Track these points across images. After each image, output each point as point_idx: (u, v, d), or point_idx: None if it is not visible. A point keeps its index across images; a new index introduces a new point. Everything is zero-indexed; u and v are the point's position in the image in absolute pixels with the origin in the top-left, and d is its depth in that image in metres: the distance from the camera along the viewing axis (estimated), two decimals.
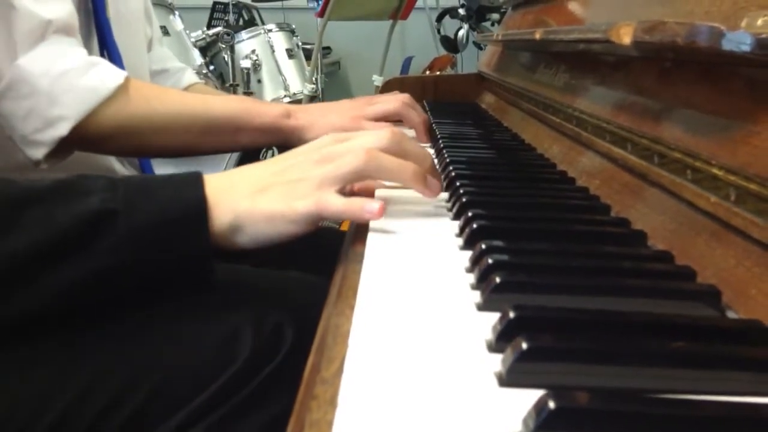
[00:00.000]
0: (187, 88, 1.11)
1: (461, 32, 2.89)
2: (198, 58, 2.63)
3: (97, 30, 0.90)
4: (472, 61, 3.12)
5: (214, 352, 0.54)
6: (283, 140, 0.89)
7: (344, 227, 1.97)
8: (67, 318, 0.52)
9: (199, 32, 2.82)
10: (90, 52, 0.89)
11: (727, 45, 0.35)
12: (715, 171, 0.41)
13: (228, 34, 2.71)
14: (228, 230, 0.52)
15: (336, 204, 0.52)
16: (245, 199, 0.52)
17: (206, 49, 2.84)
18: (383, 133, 0.56)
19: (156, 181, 0.52)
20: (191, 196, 0.51)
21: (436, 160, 0.83)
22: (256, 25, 3.21)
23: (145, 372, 0.53)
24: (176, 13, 2.61)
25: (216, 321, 0.56)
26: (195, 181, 0.52)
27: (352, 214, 0.52)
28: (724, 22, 0.38)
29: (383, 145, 0.55)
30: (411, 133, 0.96)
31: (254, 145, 0.92)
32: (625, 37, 0.43)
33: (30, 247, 0.48)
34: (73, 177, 0.52)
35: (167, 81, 1.09)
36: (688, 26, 0.37)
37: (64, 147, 0.78)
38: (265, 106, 0.87)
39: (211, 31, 2.82)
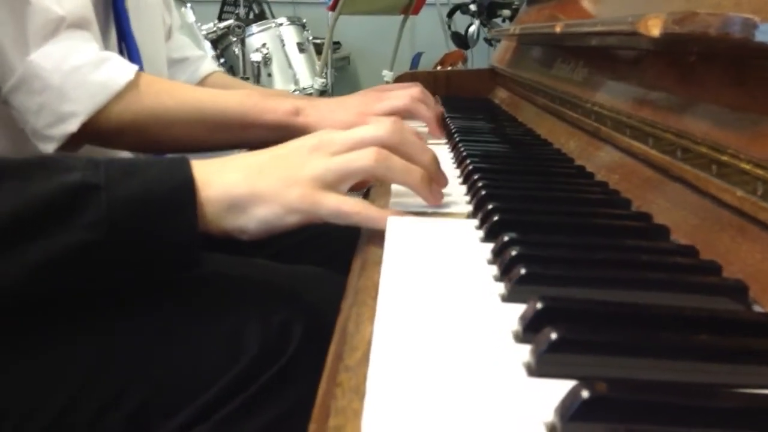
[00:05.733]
0: (206, 77, 1.11)
1: (472, 28, 2.88)
2: (209, 51, 2.63)
3: (116, 21, 0.90)
4: (482, 58, 3.11)
5: (219, 350, 0.54)
6: (292, 137, 0.88)
7: None
8: (46, 297, 0.50)
9: (210, 25, 2.82)
10: (108, 43, 0.89)
11: (761, 36, 0.35)
12: (743, 165, 0.41)
13: (239, 27, 2.71)
14: (219, 213, 0.50)
15: (332, 202, 0.50)
16: (241, 181, 0.51)
17: (217, 42, 2.84)
18: (385, 125, 0.54)
19: (141, 161, 0.51)
20: (178, 175, 0.49)
21: (451, 154, 0.83)
22: (267, 18, 3.21)
23: (149, 367, 0.53)
24: (188, 5, 2.61)
25: (222, 317, 0.56)
26: (181, 162, 0.50)
27: (363, 219, 0.50)
28: (755, 14, 0.37)
29: (385, 137, 0.53)
30: (418, 123, 0.96)
31: (264, 140, 0.92)
32: (654, 28, 0.42)
33: (5, 219, 0.46)
34: (53, 154, 0.51)
35: (187, 69, 1.09)
36: (721, 17, 0.37)
37: (74, 141, 0.78)
38: (274, 102, 0.86)
39: (222, 24, 2.82)
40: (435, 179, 0.56)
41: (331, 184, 0.51)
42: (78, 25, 0.79)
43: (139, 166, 0.50)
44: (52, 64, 0.75)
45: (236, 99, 0.86)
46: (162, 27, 1.04)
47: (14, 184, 0.47)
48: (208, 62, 1.13)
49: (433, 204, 0.55)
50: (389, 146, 0.53)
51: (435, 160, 0.56)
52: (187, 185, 0.49)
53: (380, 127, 0.54)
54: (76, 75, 0.76)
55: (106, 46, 0.87)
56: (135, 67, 0.80)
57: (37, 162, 0.49)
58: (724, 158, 0.44)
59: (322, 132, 0.55)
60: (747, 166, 0.41)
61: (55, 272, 0.48)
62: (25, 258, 0.46)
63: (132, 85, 0.79)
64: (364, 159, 0.51)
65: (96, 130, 0.78)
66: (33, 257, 0.46)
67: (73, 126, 0.76)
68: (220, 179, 0.50)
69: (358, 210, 0.50)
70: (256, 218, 0.50)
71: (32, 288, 0.48)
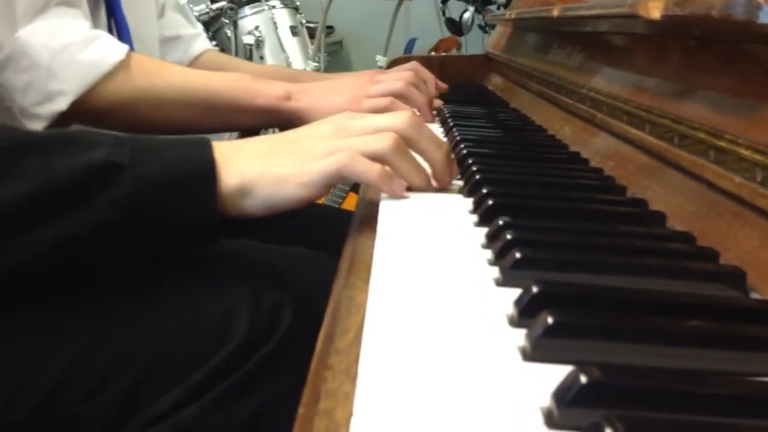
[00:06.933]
0: (200, 55, 1.09)
1: (466, 14, 2.86)
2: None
3: None
4: (476, 45, 3.09)
5: (209, 330, 0.53)
6: (284, 122, 0.87)
7: (344, 206, 1.96)
8: (63, 275, 0.50)
9: (203, 6, 2.79)
10: (97, 22, 0.87)
11: (764, 18, 0.34)
12: (741, 151, 0.41)
13: (231, 9, 2.67)
14: (236, 194, 0.50)
15: (362, 164, 0.50)
16: (255, 163, 0.51)
17: (209, 23, 2.81)
18: (403, 117, 0.54)
19: (163, 141, 0.51)
20: (199, 157, 0.49)
21: (445, 139, 0.82)
22: (260, 1, 3.18)
23: (137, 349, 0.52)
24: None
25: (211, 298, 0.55)
26: (203, 143, 0.51)
27: (377, 179, 0.50)
28: None
29: (402, 129, 0.53)
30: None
31: (254, 124, 0.91)
32: (654, 11, 0.42)
33: (28, 195, 0.45)
34: (79, 130, 0.50)
35: (179, 47, 1.08)
36: None
37: (63, 120, 0.77)
38: (266, 86, 0.85)
39: (215, 6, 2.79)
40: (443, 174, 0.56)
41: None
42: (67, 2, 0.77)
43: (162, 145, 0.50)
44: (41, 42, 0.74)
45: (227, 82, 0.85)
46: (154, 5, 1.02)
47: (39, 159, 0.46)
48: (201, 40, 1.11)
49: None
50: (405, 139, 0.53)
51: (448, 156, 0.57)
52: (208, 168, 0.49)
53: (398, 118, 0.54)
54: (65, 53, 0.75)
55: (95, 24, 0.85)
56: (125, 47, 0.79)
57: (63, 137, 0.49)
58: (722, 144, 0.43)
59: (341, 116, 0.55)
60: (745, 152, 0.40)
61: (76, 249, 0.48)
62: (48, 235, 0.46)
63: (122, 65, 0.77)
64: (381, 142, 0.51)
65: (85, 110, 0.77)
66: (55, 234, 0.46)
67: (61, 105, 0.75)
68: (237, 161, 0.51)
69: (376, 171, 0.50)
70: (270, 198, 0.50)
71: (53, 264, 0.49)
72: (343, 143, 0.51)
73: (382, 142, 0.51)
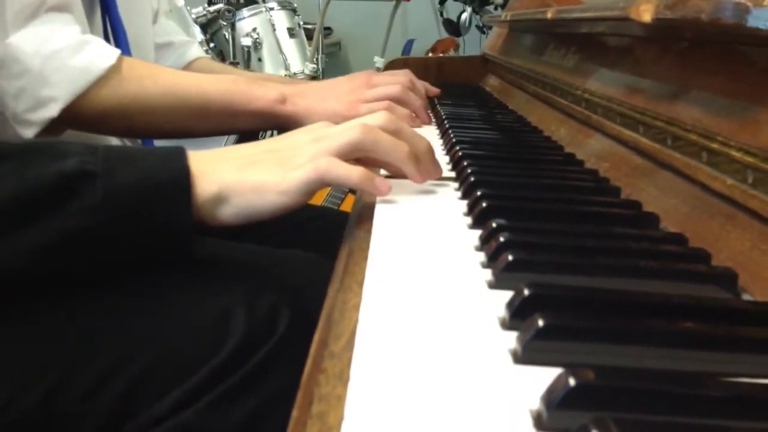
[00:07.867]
0: (191, 63, 1.09)
1: (464, 15, 2.86)
2: (199, 35, 2.60)
3: (102, 3, 0.88)
4: (474, 45, 3.09)
5: (206, 333, 0.53)
6: (279, 126, 0.87)
7: (343, 207, 1.96)
8: (38, 283, 0.51)
9: (200, 9, 2.79)
10: (93, 26, 0.87)
11: (753, 21, 0.35)
12: (733, 153, 0.41)
13: (229, 11, 2.68)
14: (213, 202, 0.50)
15: (341, 168, 0.50)
16: (233, 171, 0.51)
17: (207, 26, 2.81)
18: (380, 114, 0.55)
19: (138, 150, 0.52)
20: (174, 166, 0.50)
21: (441, 141, 0.82)
22: (257, 2, 3.18)
23: (136, 349, 0.52)
24: None
25: (209, 300, 0.55)
26: (178, 153, 0.51)
27: (358, 182, 0.51)
28: (748, 0, 0.37)
29: (380, 124, 0.54)
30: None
31: (250, 128, 0.90)
32: (646, 14, 0.42)
33: (2, 203, 0.46)
34: (52, 139, 0.51)
35: (172, 54, 1.08)
36: (713, 2, 0.36)
37: (55, 126, 0.77)
38: (260, 90, 0.84)
39: (212, 8, 2.79)
40: (428, 168, 0.56)
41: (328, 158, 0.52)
42: (58, 7, 0.77)
43: (136, 154, 0.50)
44: (32, 48, 0.74)
45: (222, 86, 0.84)
46: (150, 10, 1.02)
47: (12, 168, 0.47)
48: (194, 48, 1.11)
49: (419, 182, 0.56)
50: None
51: (430, 149, 0.57)
52: (183, 176, 0.49)
53: (375, 118, 0.55)
54: (57, 59, 0.74)
55: (91, 28, 0.85)
56: (117, 52, 0.78)
57: (36, 147, 0.49)
58: (714, 146, 0.43)
59: (319, 125, 0.56)
60: (737, 154, 0.41)
61: (51, 256, 0.48)
62: (23, 242, 0.47)
63: (114, 70, 0.77)
64: (349, 132, 0.52)
65: (77, 115, 0.77)
66: (30, 241, 0.47)
67: (52, 111, 0.74)
68: (214, 169, 0.51)
69: (356, 173, 0.51)
70: (247, 206, 0.51)
71: (30, 271, 0.49)
72: (320, 147, 0.52)
73: (353, 132, 0.52)
